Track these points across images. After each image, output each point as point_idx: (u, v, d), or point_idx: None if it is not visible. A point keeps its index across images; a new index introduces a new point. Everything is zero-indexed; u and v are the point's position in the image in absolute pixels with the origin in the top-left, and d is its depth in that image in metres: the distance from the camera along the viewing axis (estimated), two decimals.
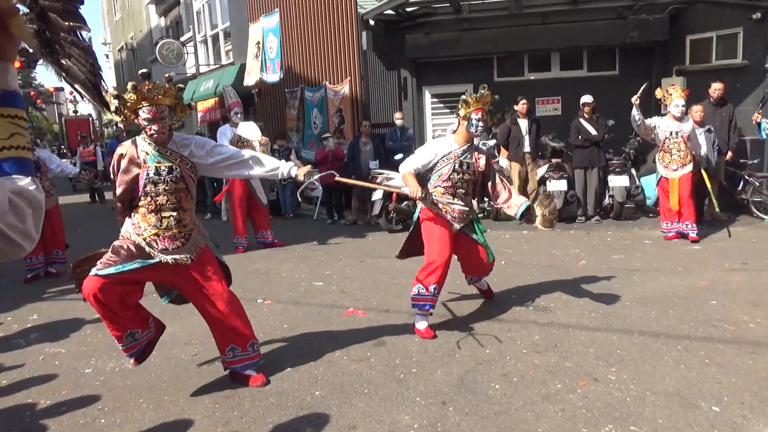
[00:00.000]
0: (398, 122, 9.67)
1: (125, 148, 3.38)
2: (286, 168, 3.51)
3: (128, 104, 3.23)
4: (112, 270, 3.26)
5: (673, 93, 6.73)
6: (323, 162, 9.48)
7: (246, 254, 7.44)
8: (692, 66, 10.02)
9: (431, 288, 4.20)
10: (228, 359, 3.61)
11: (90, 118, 32.92)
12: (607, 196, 8.45)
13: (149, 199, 3.33)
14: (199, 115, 18.86)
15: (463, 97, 4.24)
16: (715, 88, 7.93)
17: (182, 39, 19.77)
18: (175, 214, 3.37)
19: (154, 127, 3.25)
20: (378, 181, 8.39)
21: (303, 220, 10.29)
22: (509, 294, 5.20)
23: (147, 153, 3.33)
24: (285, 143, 10.51)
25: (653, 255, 6.36)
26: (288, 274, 6.39)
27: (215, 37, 18.37)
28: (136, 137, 3.40)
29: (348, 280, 5.99)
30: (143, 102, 3.23)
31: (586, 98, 8.43)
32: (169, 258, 3.38)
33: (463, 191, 4.34)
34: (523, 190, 8.88)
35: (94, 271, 3.26)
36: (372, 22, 10.73)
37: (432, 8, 10.65)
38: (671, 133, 6.81)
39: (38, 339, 4.72)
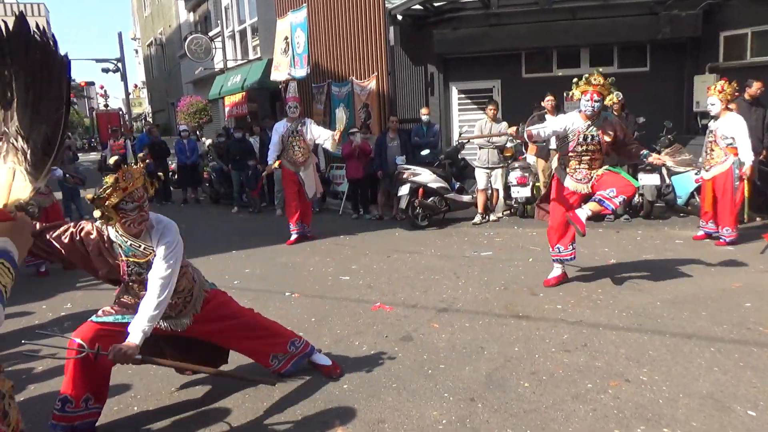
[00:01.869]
0: (424, 118, 9.61)
1: (92, 229, 2.92)
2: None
3: (108, 204, 2.79)
4: (110, 319, 3.05)
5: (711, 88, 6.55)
6: (350, 156, 9.50)
7: (272, 248, 7.51)
8: (726, 63, 9.78)
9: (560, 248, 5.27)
10: (276, 367, 3.52)
11: (120, 112, 33.48)
12: (636, 195, 8.30)
13: (137, 285, 3.02)
14: (227, 109, 19.08)
15: (575, 79, 4.98)
16: (757, 87, 7.61)
17: (210, 34, 20.01)
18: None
19: (143, 213, 2.88)
20: (405, 176, 8.39)
21: (329, 215, 10.32)
22: (537, 292, 5.16)
23: (120, 246, 2.92)
24: None
25: (684, 255, 6.24)
26: (315, 268, 6.43)
27: (243, 33, 18.54)
28: (108, 230, 2.92)
29: (374, 275, 6.01)
30: (124, 194, 2.79)
31: (615, 95, 8.27)
32: (170, 323, 3.19)
33: (589, 158, 5.00)
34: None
35: (93, 317, 3.07)
36: (399, 17, 10.68)
37: (460, 3, 10.57)
38: (708, 132, 6.66)
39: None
